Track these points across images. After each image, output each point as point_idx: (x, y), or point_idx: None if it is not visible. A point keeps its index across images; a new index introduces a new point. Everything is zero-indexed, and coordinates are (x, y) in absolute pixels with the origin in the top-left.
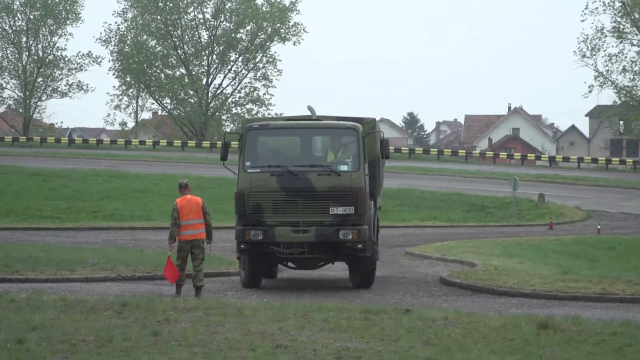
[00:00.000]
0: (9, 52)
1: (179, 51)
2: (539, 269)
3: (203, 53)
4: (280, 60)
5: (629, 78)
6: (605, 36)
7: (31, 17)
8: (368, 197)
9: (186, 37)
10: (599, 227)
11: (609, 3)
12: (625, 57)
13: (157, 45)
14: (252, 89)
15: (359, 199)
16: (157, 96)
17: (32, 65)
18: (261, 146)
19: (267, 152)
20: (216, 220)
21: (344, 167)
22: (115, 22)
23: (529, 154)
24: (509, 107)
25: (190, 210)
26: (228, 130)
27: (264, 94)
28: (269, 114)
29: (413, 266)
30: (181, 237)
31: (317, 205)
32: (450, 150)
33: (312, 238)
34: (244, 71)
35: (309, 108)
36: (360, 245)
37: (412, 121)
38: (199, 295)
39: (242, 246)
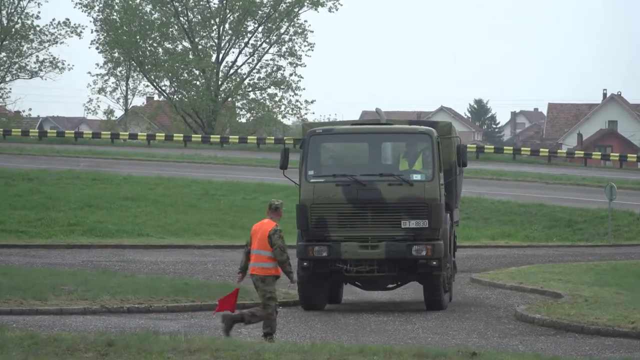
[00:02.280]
0: None
1: (182, 19)
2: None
3: (212, 22)
4: (312, 32)
5: None
6: None
7: None
8: (443, 209)
9: (191, 0)
10: None
11: None
12: None
13: (153, 11)
14: (275, 68)
15: (433, 211)
16: (152, 77)
17: None
18: (325, 153)
19: (332, 160)
20: (229, 238)
21: (416, 177)
22: None
23: (629, 154)
24: (604, 95)
25: (256, 237)
26: (242, 119)
27: (291, 74)
28: (297, 100)
29: (481, 297)
30: (249, 269)
31: (387, 219)
32: (529, 149)
33: (382, 254)
34: (264, 45)
35: (377, 111)
36: (435, 263)
37: (480, 111)
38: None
39: (305, 264)
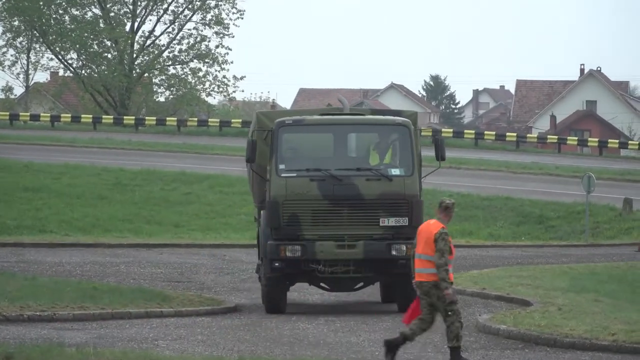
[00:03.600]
0: None
1: None
2: (623, 310)
3: None
4: None
5: None
6: None
7: None
8: (423, 206)
9: None
10: None
11: None
12: None
13: None
14: (199, 39)
15: (414, 208)
16: (57, 49)
17: None
18: (297, 146)
19: (304, 152)
20: (145, 235)
21: (396, 171)
22: None
23: (610, 140)
24: (582, 70)
25: (421, 240)
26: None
27: (217, 46)
28: (225, 77)
29: None
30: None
31: (365, 216)
32: (494, 133)
33: (359, 254)
34: (187, 12)
35: (340, 100)
36: None
37: (437, 89)
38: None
39: (276, 264)
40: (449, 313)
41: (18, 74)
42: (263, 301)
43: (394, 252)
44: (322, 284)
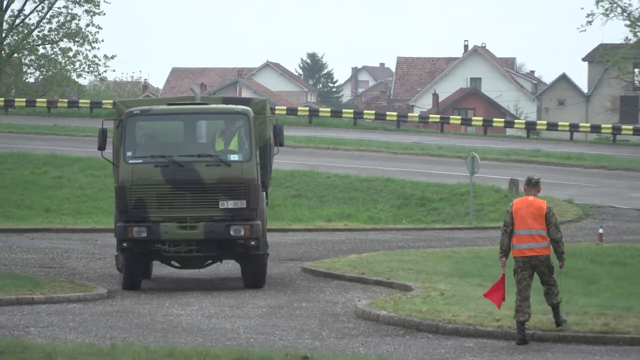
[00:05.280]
0: None
1: None
2: (508, 295)
3: None
4: None
5: None
6: None
7: None
8: (260, 189)
9: None
10: (601, 230)
11: None
12: None
13: None
14: (69, 18)
15: (251, 191)
16: None
17: None
18: (143, 134)
19: (150, 140)
20: (15, 220)
21: (234, 157)
22: None
23: (495, 119)
24: (466, 47)
25: (525, 216)
26: (30, 79)
27: (88, 25)
28: (95, 57)
29: (314, 290)
30: (514, 251)
31: (205, 199)
32: (373, 112)
33: (200, 235)
34: None
35: (192, 89)
36: (253, 242)
37: (314, 67)
38: (558, 311)
39: (124, 244)
40: (553, 276)
41: None
42: (123, 278)
43: (232, 233)
44: (173, 262)
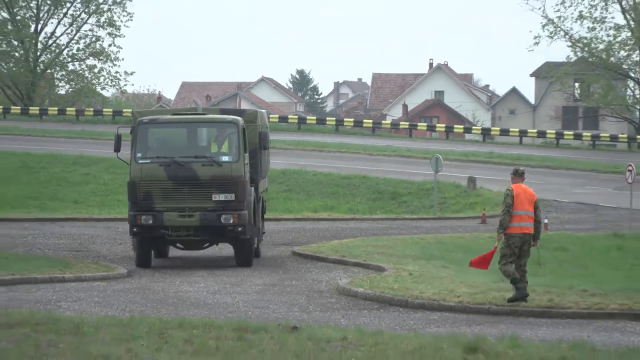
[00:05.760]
0: None
1: None
2: (467, 275)
3: None
4: (131, 1)
5: (587, 27)
6: None
7: None
8: (248, 185)
9: None
10: (546, 221)
11: None
12: (583, 0)
13: None
14: (94, 39)
15: (239, 186)
16: None
17: None
18: (151, 139)
19: (157, 144)
20: (49, 211)
21: (225, 158)
22: None
23: (455, 125)
24: (431, 64)
25: (524, 199)
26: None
27: (110, 45)
28: (117, 72)
29: (302, 270)
30: (511, 228)
31: (201, 193)
32: (352, 120)
33: (196, 222)
34: (83, 15)
35: (195, 102)
36: (240, 229)
37: (302, 81)
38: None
39: (135, 229)
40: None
41: None
42: (135, 258)
43: (222, 221)
44: (178, 245)
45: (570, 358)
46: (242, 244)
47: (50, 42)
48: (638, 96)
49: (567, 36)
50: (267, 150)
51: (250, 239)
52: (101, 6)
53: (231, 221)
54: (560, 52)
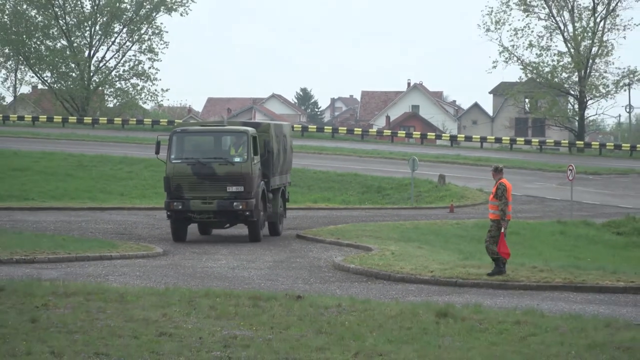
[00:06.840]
0: None
1: (61, 22)
2: (438, 254)
3: (86, 24)
4: (167, 32)
5: (536, 54)
6: (511, 9)
7: None
8: (256, 179)
9: (68, 6)
10: None
11: None
12: (532, 31)
13: (37, 15)
14: (136, 62)
15: (247, 180)
16: (36, 69)
17: None
18: (183, 144)
19: (186, 148)
20: (99, 201)
21: (237, 159)
22: None
23: (429, 133)
24: (409, 83)
25: (509, 193)
26: (110, 104)
27: (150, 67)
28: (155, 90)
29: (305, 250)
30: (508, 216)
31: (218, 185)
32: (345, 129)
33: (215, 208)
34: (128, 43)
35: (221, 117)
36: (248, 213)
37: (305, 97)
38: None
39: (168, 213)
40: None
41: (8, 87)
42: (172, 234)
43: (234, 207)
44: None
45: (523, 322)
46: (252, 224)
47: (101, 64)
48: (576, 110)
49: (519, 61)
50: (287, 153)
51: (257, 221)
52: (143, 36)
53: (240, 207)
54: (513, 73)
